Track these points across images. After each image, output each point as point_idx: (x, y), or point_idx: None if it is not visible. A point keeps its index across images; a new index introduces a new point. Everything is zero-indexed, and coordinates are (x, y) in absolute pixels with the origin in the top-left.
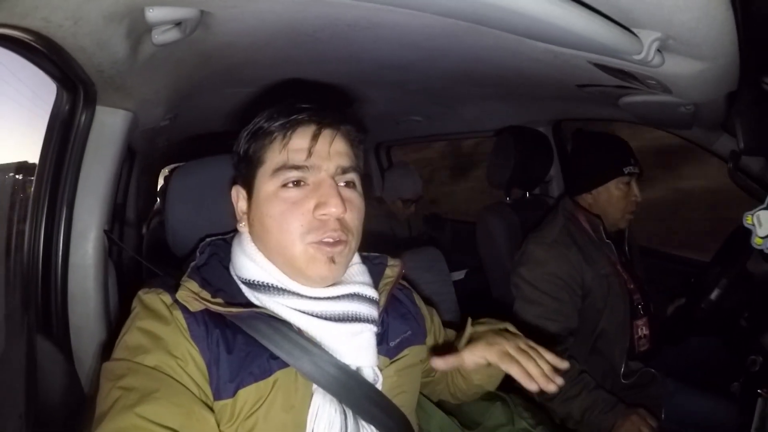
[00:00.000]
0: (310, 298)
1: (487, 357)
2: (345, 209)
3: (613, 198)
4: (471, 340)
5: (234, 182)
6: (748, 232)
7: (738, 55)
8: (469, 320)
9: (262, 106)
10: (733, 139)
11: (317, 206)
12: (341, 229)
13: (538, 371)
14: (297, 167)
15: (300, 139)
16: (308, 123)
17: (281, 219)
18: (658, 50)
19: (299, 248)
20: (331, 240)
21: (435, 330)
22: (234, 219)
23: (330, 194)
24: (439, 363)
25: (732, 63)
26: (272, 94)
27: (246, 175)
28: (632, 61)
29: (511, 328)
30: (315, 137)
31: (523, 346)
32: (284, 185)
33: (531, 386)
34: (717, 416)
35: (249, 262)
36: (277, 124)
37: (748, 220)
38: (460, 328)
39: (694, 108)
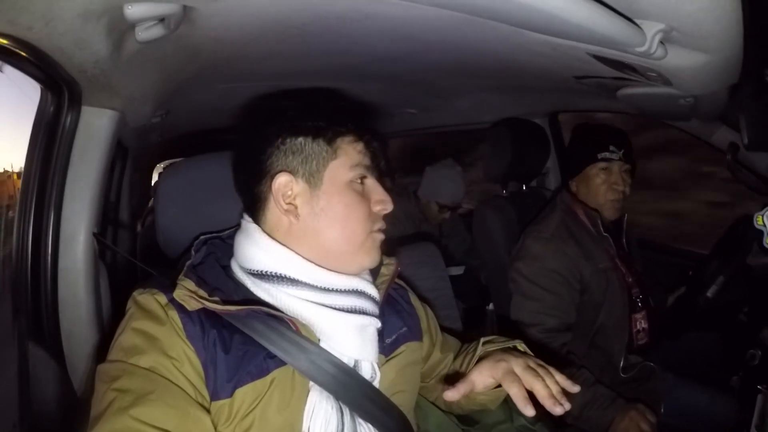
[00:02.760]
0: (320, 289)
1: (493, 375)
2: None
3: (592, 185)
4: (479, 360)
5: (267, 171)
6: (758, 233)
7: (742, 47)
8: (481, 341)
9: (255, 104)
10: (731, 130)
11: (378, 201)
12: None
13: (545, 392)
14: (367, 167)
15: (362, 144)
16: (367, 132)
17: (356, 207)
18: (661, 42)
19: (366, 235)
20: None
21: (432, 331)
22: (228, 216)
23: (386, 194)
24: (452, 395)
25: (735, 56)
26: (268, 97)
27: (308, 166)
28: (633, 53)
29: (521, 346)
30: (374, 145)
31: (532, 365)
32: (355, 180)
33: (527, 411)
34: (716, 410)
35: (260, 253)
36: (350, 126)
37: (759, 220)
38: (459, 336)
39: (694, 100)
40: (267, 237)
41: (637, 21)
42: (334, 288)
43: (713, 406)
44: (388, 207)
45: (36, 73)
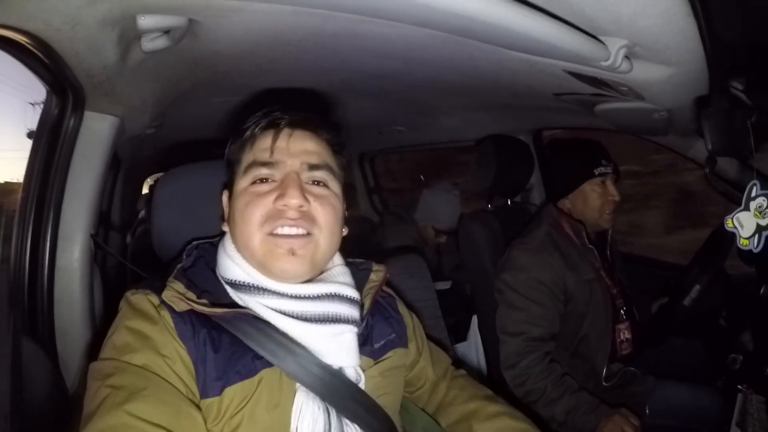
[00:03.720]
0: (290, 297)
1: None
2: (305, 200)
3: (589, 200)
4: None
5: (225, 188)
6: (731, 235)
7: (705, 60)
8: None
9: (247, 115)
10: None
11: (278, 197)
12: (302, 219)
13: None
14: (263, 163)
15: (266, 138)
16: (273, 123)
17: (245, 209)
18: (626, 57)
19: (258, 238)
20: (288, 231)
21: (417, 339)
22: (220, 222)
23: (288, 185)
24: None
25: (700, 68)
26: (258, 103)
27: (229, 177)
28: (602, 68)
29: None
30: (276, 134)
31: None
32: (254, 182)
33: None
34: (701, 405)
35: (230, 263)
36: (248, 126)
37: (729, 223)
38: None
39: (668, 114)
40: (234, 247)
41: (602, 38)
42: (305, 295)
43: (698, 401)
44: (285, 200)
45: (46, 76)
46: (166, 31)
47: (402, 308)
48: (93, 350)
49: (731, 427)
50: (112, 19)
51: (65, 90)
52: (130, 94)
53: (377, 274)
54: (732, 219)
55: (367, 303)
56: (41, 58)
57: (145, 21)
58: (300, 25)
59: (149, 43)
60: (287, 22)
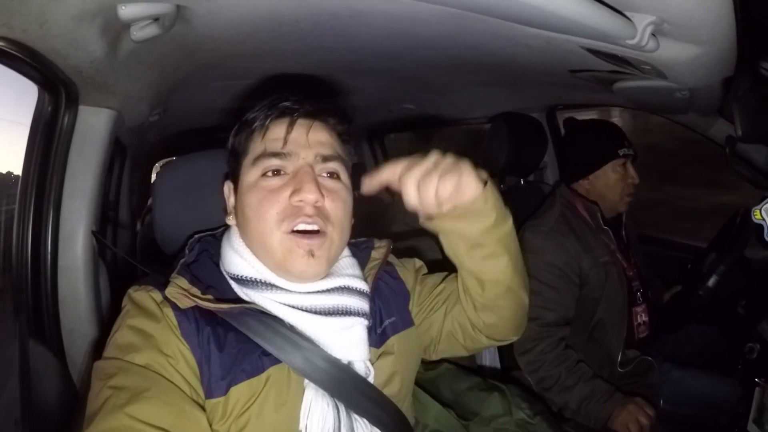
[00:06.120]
0: (299, 292)
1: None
2: (321, 195)
3: (610, 181)
4: None
5: (226, 178)
6: (757, 227)
7: (735, 39)
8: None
9: (251, 101)
10: (729, 124)
11: (293, 193)
12: (317, 215)
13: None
14: (275, 154)
15: (278, 128)
16: (286, 113)
17: (259, 207)
18: (653, 34)
19: (276, 238)
20: (306, 228)
21: (423, 296)
22: (223, 214)
23: (305, 180)
24: (366, 186)
25: (729, 48)
26: (261, 89)
27: (233, 168)
28: (625, 45)
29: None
30: (291, 125)
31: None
32: (264, 174)
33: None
34: (717, 394)
35: (237, 258)
36: (257, 115)
37: (757, 215)
38: None
39: (690, 93)
40: (242, 242)
41: (628, 13)
42: (314, 289)
43: (715, 389)
44: (302, 195)
45: (32, 74)
46: (155, 19)
47: (402, 271)
48: (100, 348)
49: (748, 424)
50: (89, 12)
51: (56, 86)
52: (125, 85)
53: (379, 251)
54: (760, 211)
55: (368, 290)
56: (22, 58)
57: (126, 10)
58: (297, 5)
59: (139, 32)
60: (282, 2)
